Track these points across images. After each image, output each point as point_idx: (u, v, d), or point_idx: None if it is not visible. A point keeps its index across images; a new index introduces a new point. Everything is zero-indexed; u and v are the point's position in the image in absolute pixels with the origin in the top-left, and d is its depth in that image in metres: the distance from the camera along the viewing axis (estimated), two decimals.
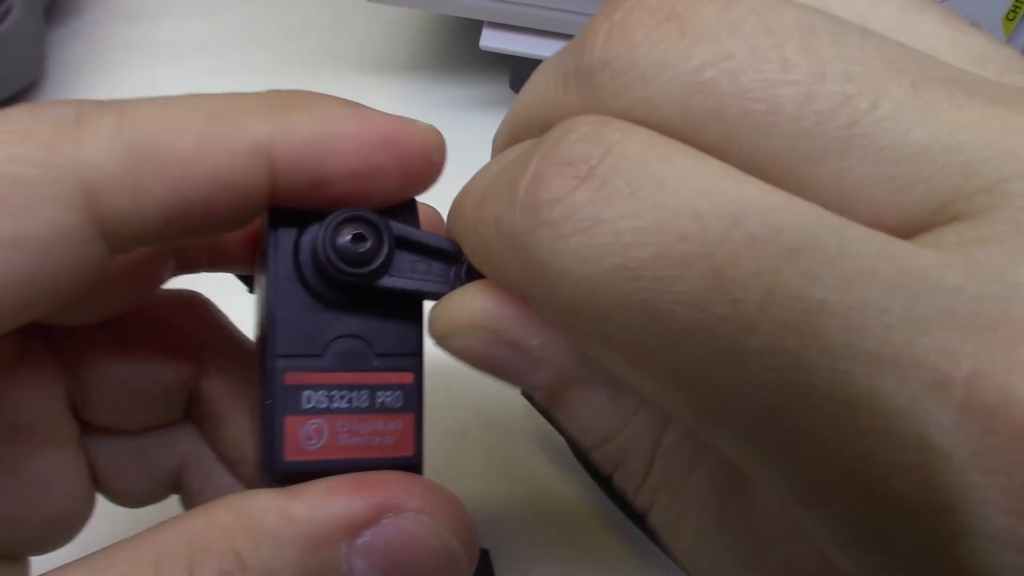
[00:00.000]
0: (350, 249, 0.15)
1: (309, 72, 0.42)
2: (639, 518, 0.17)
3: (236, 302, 0.21)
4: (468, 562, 0.15)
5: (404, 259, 0.16)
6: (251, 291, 0.20)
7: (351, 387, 0.16)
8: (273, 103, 0.15)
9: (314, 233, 0.15)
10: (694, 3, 0.12)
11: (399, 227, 0.16)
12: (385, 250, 0.15)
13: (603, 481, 0.26)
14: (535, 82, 0.15)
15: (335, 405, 0.15)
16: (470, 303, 0.14)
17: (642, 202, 0.11)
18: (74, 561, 0.14)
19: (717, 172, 0.11)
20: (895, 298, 0.10)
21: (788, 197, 0.11)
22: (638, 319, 0.11)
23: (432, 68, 0.42)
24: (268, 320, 0.15)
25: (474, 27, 0.38)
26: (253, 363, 0.20)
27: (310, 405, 0.15)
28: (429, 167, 0.16)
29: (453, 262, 0.16)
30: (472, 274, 0.16)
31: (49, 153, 0.13)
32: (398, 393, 0.16)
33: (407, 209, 0.16)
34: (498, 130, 0.17)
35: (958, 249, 0.10)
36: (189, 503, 0.21)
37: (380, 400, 0.16)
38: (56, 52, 0.43)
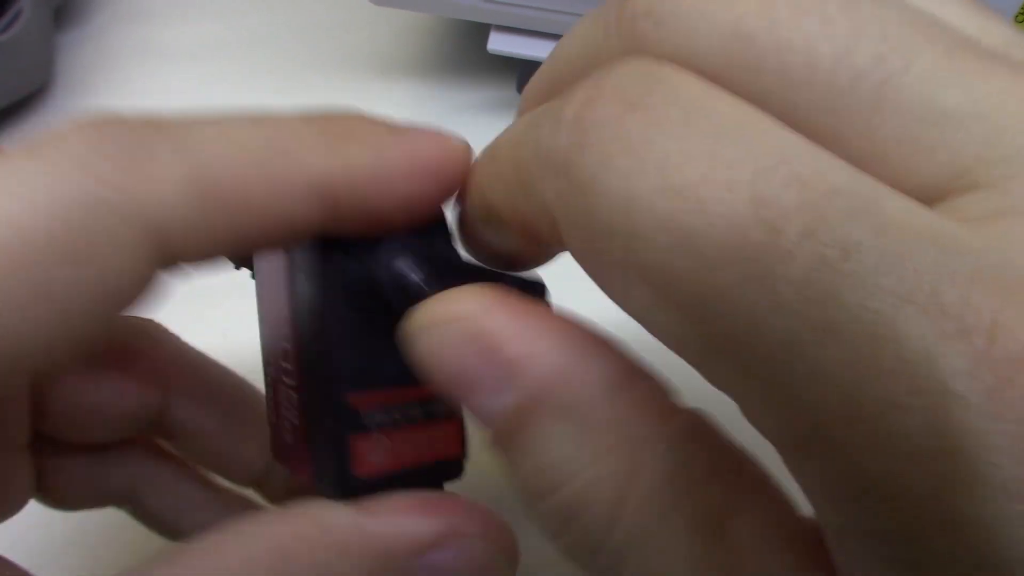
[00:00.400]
0: (408, 281, 0.16)
1: (316, 76, 0.42)
2: None
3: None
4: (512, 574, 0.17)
5: (450, 284, 0.17)
6: (237, 268, 0.19)
7: (406, 403, 0.17)
8: (328, 134, 0.15)
9: (361, 260, 0.16)
10: None
11: (449, 256, 0.17)
12: (437, 281, 0.16)
13: None
14: (574, 34, 0.15)
15: (393, 420, 0.17)
16: (459, 298, 0.14)
17: (693, 128, 0.11)
18: (158, 561, 0.14)
19: (764, 117, 0.11)
20: (926, 249, 0.10)
21: (825, 151, 0.11)
22: (674, 240, 0.11)
23: (439, 71, 0.42)
24: (320, 346, 0.16)
25: (481, 31, 0.38)
26: (218, 381, 0.21)
27: (372, 423, 0.16)
28: (460, 183, 0.16)
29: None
30: None
31: (120, 196, 0.13)
32: (444, 403, 0.17)
33: (439, 222, 0.17)
34: (529, 85, 0.17)
35: (980, 221, 0.10)
36: (150, 517, 0.21)
37: (430, 410, 0.17)
38: (66, 56, 0.43)
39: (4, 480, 0.18)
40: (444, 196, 0.16)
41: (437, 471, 0.18)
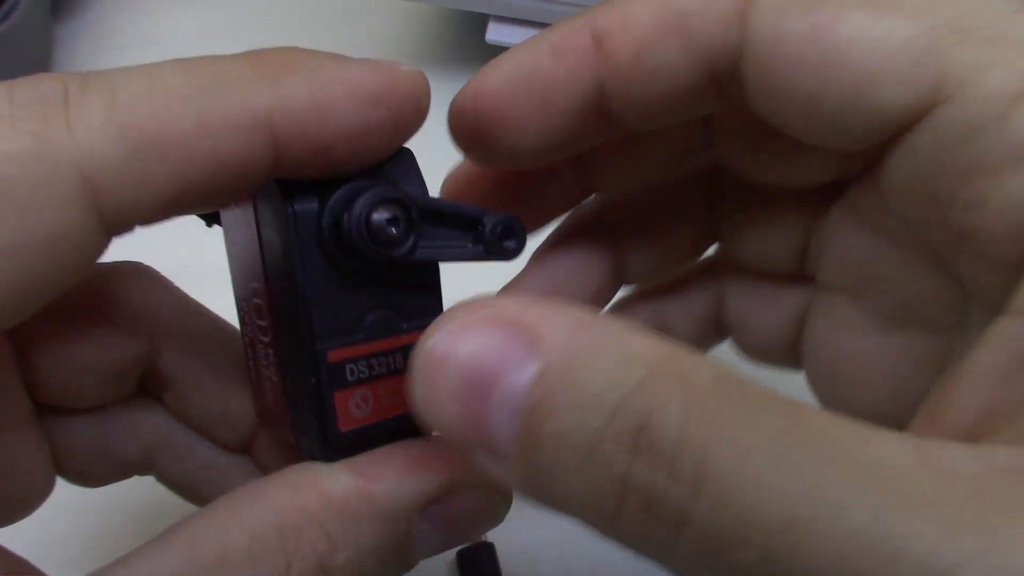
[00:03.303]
0: (385, 232, 0.15)
1: None
2: None
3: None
4: (506, 512, 0.17)
5: (425, 229, 0.16)
6: (210, 225, 0.19)
7: (387, 352, 0.16)
8: (266, 69, 0.14)
9: (332, 208, 0.15)
10: None
11: (422, 200, 0.16)
12: (414, 227, 0.15)
13: None
14: None
15: (375, 372, 0.16)
16: (451, 335, 0.13)
17: None
18: (163, 539, 0.14)
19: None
20: None
21: None
22: None
23: (438, 62, 0.42)
24: (294, 300, 0.15)
25: (480, 21, 0.38)
26: (210, 328, 0.20)
27: (354, 377, 0.16)
28: (419, 115, 0.15)
29: (471, 228, 0.16)
30: (501, 235, 0.16)
31: (42, 146, 0.12)
32: None
33: (406, 162, 0.16)
34: None
35: None
36: (171, 482, 0.21)
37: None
38: (63, 46, 0.43)
39: (23, 461, 0.18)
40: (399, 128, 0.15)
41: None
